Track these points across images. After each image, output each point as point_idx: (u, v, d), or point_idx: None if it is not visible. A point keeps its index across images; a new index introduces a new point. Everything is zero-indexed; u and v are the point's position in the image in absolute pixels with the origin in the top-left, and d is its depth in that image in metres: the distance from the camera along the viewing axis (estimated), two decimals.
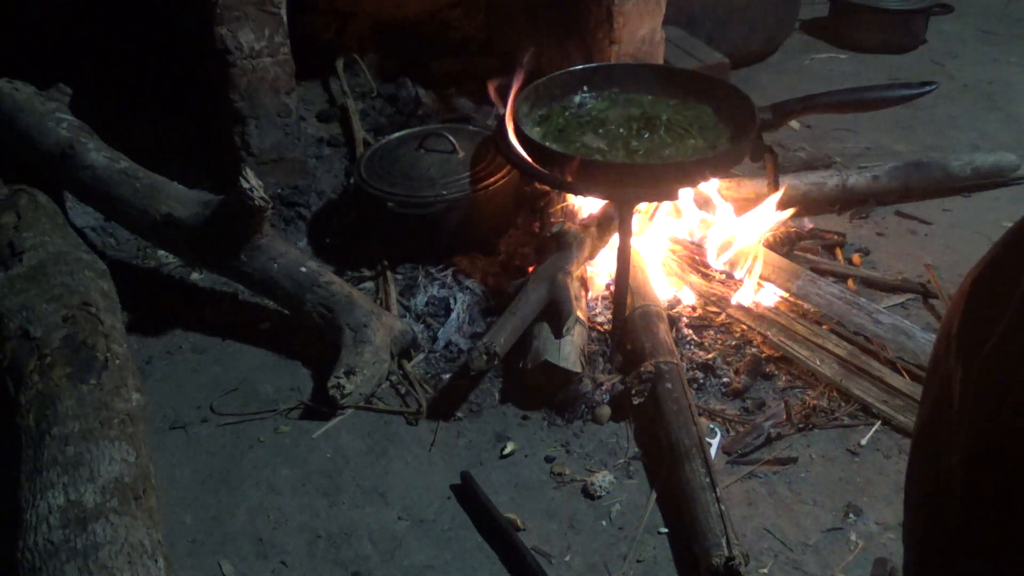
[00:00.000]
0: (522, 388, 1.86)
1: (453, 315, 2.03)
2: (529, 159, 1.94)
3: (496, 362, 1.75)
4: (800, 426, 1.78)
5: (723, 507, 1.50)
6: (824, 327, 1.97)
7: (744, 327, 1.99)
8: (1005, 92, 3.27)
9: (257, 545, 1.57)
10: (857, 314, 1.97)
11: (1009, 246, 0.66)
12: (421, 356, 1.98)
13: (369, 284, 2.19)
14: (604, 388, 1.83)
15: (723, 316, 2.03)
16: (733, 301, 2.04)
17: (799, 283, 2.04)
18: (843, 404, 1.82)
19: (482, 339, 1.76)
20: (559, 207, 2.24)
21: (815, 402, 1.82)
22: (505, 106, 2.01)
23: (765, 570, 1.51)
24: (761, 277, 2.09)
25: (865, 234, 2.42)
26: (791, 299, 2.05)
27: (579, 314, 1.90)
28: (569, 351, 1.80)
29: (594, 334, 1.97)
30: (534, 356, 1.81)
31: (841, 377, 1.85)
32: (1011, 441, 0.58)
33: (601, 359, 1.92)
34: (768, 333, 1.95)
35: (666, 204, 2.17)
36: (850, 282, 2.16)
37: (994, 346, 0.61)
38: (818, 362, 1.87)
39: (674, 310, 2.03)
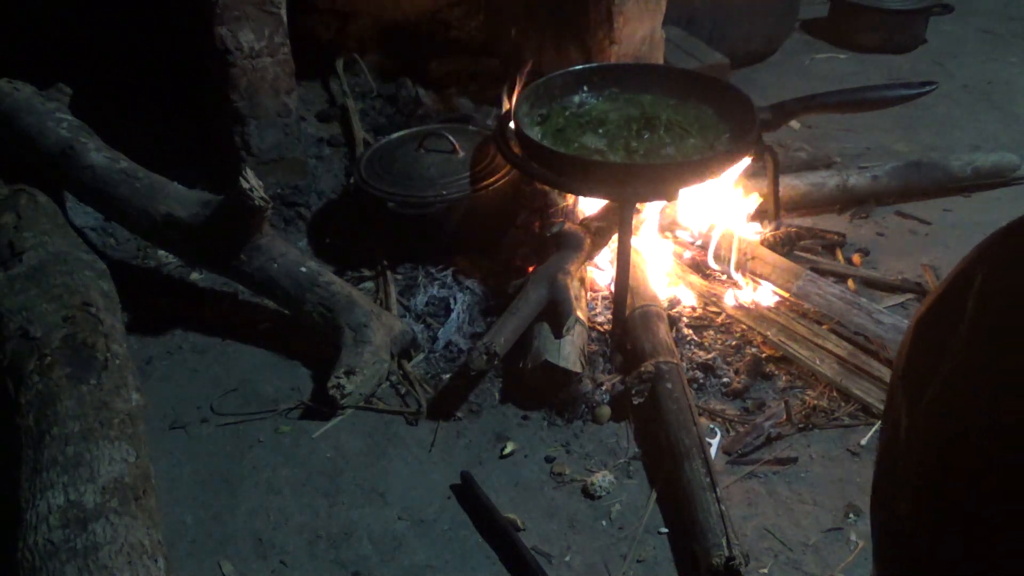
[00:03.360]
0: (522, 388, 1.86)
1: (453, 315, 2.03)
2: (529, 159, 1.94)
3: (496, 362, 1.76)
4: (800, 426, 1.78)
5: (723, 507, 1.50)
6: (824, 327, 1.97)
7: (744, 327, 1.99)
8: (1005, 92, 3.27)
9: (257, 545, 1.57)
10: (857, 314, 1.97)
11: (950, 289, 0.64)
12: (421, 356, 1.98)
13: (369, 284, 2.19)
14: (604, 388, 1.83)
15: (723, 316, 2.04)
16: (729, 301, 2.04)
17: (799, 283, 2.04)
18: (843, 404, 1.82)
19: (482, 339, 1.76)
20: (559, 207, 2.24)
21: (815, 402, 1.82)
22: (509, 103, 2.02)
23: (765, 570, 1.51)
24: (760, 276, 2.09)
25: (865, 234, 2.42)
26: (791, 299, 2.05)
27: (579, 314, 1.89)
28: (569, 351, 1.80)
29: (594, 334, 1.97)
30: (534, 356, 1.81)
31: (841, 377, 1.85)
32: (953, 497, 0.58)
33: (601, 359, 1.92)
34: (768, 333, 1.95)
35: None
36: (850, 282, 2.16)
37: (935, 395, 0.59)
38: (818, 362, 1.87)
39: (674, 310, 2.03)
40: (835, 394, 1.84)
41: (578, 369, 1.79)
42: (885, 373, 1.85)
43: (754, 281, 2.10)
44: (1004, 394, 0.53)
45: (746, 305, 2.04)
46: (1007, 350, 0.54)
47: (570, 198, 2.20)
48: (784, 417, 1.78)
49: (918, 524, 0.61)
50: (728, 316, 2.03)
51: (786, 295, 2.06)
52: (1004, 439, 0.53)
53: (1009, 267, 0.58)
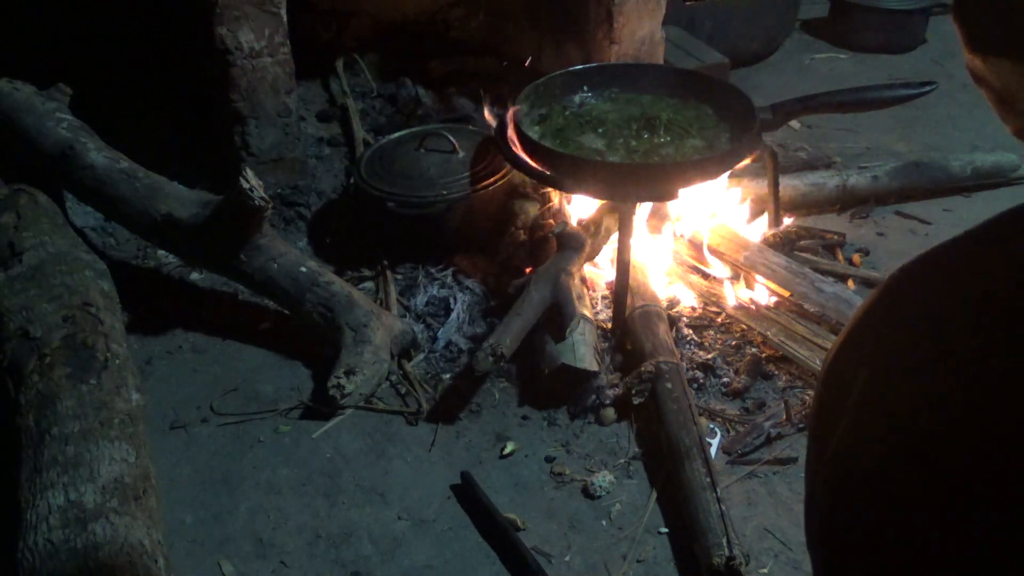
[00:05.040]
0: (540, 392, 1.85)
1: (453, 315, 2.03)
2: (529, 158, 1.94)
3: (502, 363, 1.75)
4: (800, 426, 1.78)
5: (723, 507, 1.50)
6: (823, 327, 1.97)
7: (744, 327, 1.99)
8: None
9: (257, 545, 1.57)
10: (801, 283, 2.00)
11: (849, 339, 0.60)
12: (421, 356, 1.98)
13: (369, 284, 2.19)
14: (614, 387, 1.82)
15: (723, 316, 2.04)
16: (730, 300, 2.05)
17: (747, 254, 2.08)
18: None
19: (487, 340, 1.75)
20: (548, 207, 2.24)
21: None
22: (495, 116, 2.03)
23: (765, 570, 1.51)
24: (713, 248, 2.14)
25: (865, 234, 2.42)
26: (790, 299, 2.05)
27: (585, 312, 1.89)
28: (584, 351, 1.80)
29: (598, 331, 1.97)
30: (549, 360, 1.80)
31: None
32: (854, 552, 0.55)
33: (607, 356, 1.92)
34: (768, 333, 1.95)
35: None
36: (850, 282, 2.16)
37: (832, 453, 0.57)
38: (818, 362, 1.87)
39: (674, 310, 2.03)
40: None
41: (595, 367, 1.79)
42: None
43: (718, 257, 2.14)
44: (894, 449, 0.52)
45: (746, 304, 2.04)
46: (904, 396, 0.53)
47: (557, 197, 2.20)
48: (784, 417, 1.78)
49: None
50: (728, 316, 2.03)
51: (786, 294, 2.06)
52: (895, 498, 0.52)
53: (907, 308, 0.56)
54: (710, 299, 2.08)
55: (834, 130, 2.95)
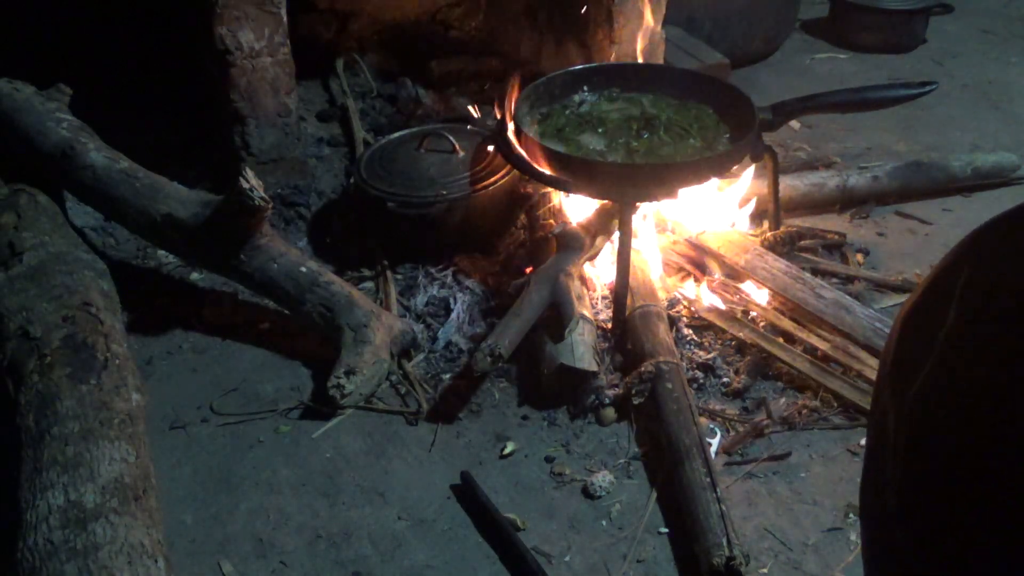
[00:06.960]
0: (540, 393, 1.85)
1: (453, 315, 2.03)
2: (528, 158, 1.94)
3: (500, 363, 1.75)
4: (788, 426, 1.78)
5: (723, 507, 1.50)
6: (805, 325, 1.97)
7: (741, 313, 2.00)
8: (1005, 92, 3.27)
9: (257, 545, 1.57)
10: (801, 289, 1.99)
11: (937, 282, 0.64)
12: (421, 356, 1.98)
13: (369, 284, 2.19)
14: (615, 388, 1.82)
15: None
16: (704, 299, 2.04)
17: (747, 257, 2.07)
18: (834, 404, 1.82)
19: (486, 341, 1.75)
20: (546, 208, 2.24)
21: (806, 403, 1.82)
22: (505, 112, 2.02)
23: (765, 570, 1.51)
24: (710, 250, 2.13)
25: (865, 234, 2.42)
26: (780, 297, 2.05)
27: (585, 312, 1.89)
28: (583, 351, 1.80)
29: (598, 331, 1.97)
30: (549, 361, 1.80)
31: (815, 373, 1.84)
32: (938, 494, 0.58)
33: (607, 356, 1.92)
34: (740, 335, 1.93)
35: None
36: (856, 282, 2.15)
37: (918, 390, 0.60)
38: (795, 359, 1.87)
39: (674, 310, 2.03)
40: (827, 394, 1.83)
41: (594, 368, 1.79)
42: (864, 364, 1.84)
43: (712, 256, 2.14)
44: (988, 385, 0.54)
45: (722, 308, 2.03)
46: (992, 341, 0.55)
47: (555, 198, 2.20)
48: (764, 416, 1.77)
49: (904, 524, 0.61)
50: (705, 316, 2.02)
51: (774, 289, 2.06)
52: (988, 432, 0.53)
53: (995, 260, 0.58)
54: (683, 301, 2.07)
55: (834, 130, 2.95)
